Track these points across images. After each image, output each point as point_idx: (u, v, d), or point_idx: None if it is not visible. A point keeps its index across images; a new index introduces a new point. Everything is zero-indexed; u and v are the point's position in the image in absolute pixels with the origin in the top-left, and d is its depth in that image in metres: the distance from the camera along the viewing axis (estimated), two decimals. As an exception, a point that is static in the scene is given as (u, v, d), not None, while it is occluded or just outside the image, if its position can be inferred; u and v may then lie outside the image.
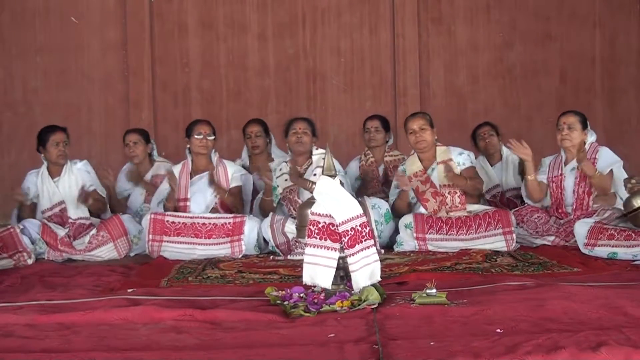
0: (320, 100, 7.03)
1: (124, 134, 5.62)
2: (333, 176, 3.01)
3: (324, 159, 4.70)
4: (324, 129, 6.95)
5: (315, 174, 4.74)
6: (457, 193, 4.66)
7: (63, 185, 4.92)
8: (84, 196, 4.81)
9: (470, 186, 4.66)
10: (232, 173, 4.97)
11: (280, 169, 4.93)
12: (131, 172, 5.47)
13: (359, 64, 7.07)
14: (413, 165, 4.80)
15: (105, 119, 6.99)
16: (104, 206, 5.02)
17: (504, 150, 5.54)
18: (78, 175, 4.95)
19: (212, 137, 4.93)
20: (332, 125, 6.99)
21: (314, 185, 4.54)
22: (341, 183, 4.70)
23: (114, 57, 6.97)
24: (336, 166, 4.69)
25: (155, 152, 5.65)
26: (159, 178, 5.26)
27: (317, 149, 4.90)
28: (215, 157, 5.00)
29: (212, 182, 4.85)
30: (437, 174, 4.69)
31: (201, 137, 4.89)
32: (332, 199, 2.93)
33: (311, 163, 4.88)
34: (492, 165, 5.57)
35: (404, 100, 6.93)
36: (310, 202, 3.02)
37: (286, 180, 4.86)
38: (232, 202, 4.89)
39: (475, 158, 5.16)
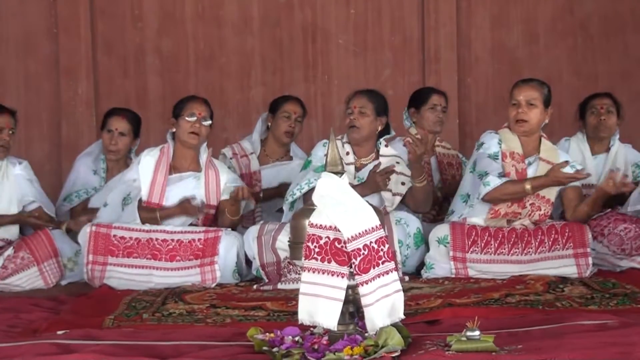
0: (322, 68, 7.03)
1: (107, 114, 5.56)
2: (339, 173, 3.02)
3: (324, 146, 4.77)
4: (326, 106, 6.96)
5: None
6: (540, 210, 4.62)
7: None
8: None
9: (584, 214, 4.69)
10: (226, 182, 4.97)
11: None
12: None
13: (374, 16, 7.06)
14: (511, 142, 4.73)
15: (25, 93, 6.98)
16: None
17: (616, 141, 5.46)
18: (15, 182, 4.96)
19: (208, 123, 4.93)
20: (339, 102, 6.97)
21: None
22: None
23: (37, 8, 6.96)
24: (408, 172, 4.82)
25: (134, 150, 5.58)
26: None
27: (386, 145, 4.94)
28: (205, 155, 4.99)
29: (193, 210, 4.83)
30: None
31: (194, 119, 4.88)
32: (339, 205, 2.94)
33: (375, 159, 4.91)
34: (593, 155, 5.51)
35: (436, 68, 6.93)
36: (309, 209, 3.02)
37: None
38: (232, 223, 4.89)
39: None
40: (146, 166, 4.92)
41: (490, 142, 4.76)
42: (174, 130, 4.96)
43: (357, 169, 4.91)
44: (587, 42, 7.07)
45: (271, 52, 7.05)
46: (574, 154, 5.32)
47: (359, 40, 7.04)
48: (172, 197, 4.88)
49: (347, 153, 4.91)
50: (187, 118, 4.89)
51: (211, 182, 4.95)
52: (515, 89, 4.75)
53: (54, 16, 6.93)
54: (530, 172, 4.66)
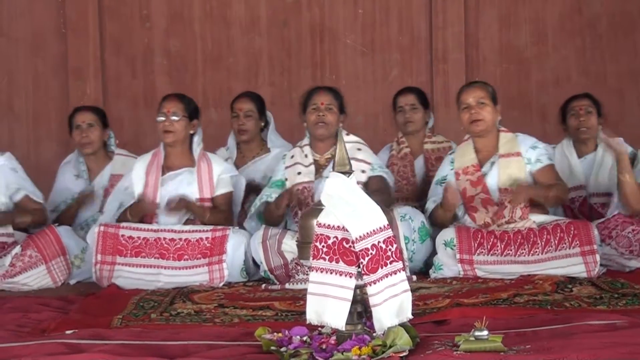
0: (330, 68, 7.03)
1: (72, 113, 5.60)
2: (347, 173, 3.02)
3: (334, 147, 4.77)
4: (335, 106, 6.95)
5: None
6: (520, 204, 4.64)
7: None
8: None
9: (552, 199, 4.66)
10: (219, 174, 4.96)
11: (292, 157, 4.95)
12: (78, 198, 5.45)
13: (382, 16, 7.06)
14: (464, 156, 4.81)
15: (33, 93, 7.01)
16: (44, 218, 5.04)
17: (602, 138, 5.45)
18: (0, 173, 4.95)
19: (177, 118, 4.89)
20: (347, 101, 6.95)
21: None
22: (385, 181, 4.71)
23: (45, 8, 6.98)
24: (371, 159, 4.84)
25: (113, 142, 5.65)
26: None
27: (347, 134, 4.94)
28: (198, 149, 4.99)
29: (187, 206, 4.84)
30: (498, 175, 4.67)
31: (163, 119, 4.90)
32: (347, 204, 2.94)
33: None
34: (580, 157, 5.50)
35: (444, 68, 6.92)
36: (317, 209, 3.02)
37: (299, 173, 4.87)
38: (218, 220, 4.88)
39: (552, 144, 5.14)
40: (138, 171, 4.97)
41: (443, 168, 4.93)
42: None
43: (321, 166, 4.90)
44: (595, 42, 7.05)
45: (279, 52, 7.05)
46: (558, 160, 5.35)
47: (367, 40, 7.05)
48: (166, 195, 4.87)
49: (306, 155, 4.93)
50: (158, 118, 4.90)
51: (204, 175, 4.94)
52: (462, 93, 4.81)
53: (62, 16, 6.96)
54: (493, 174, 4.71)
